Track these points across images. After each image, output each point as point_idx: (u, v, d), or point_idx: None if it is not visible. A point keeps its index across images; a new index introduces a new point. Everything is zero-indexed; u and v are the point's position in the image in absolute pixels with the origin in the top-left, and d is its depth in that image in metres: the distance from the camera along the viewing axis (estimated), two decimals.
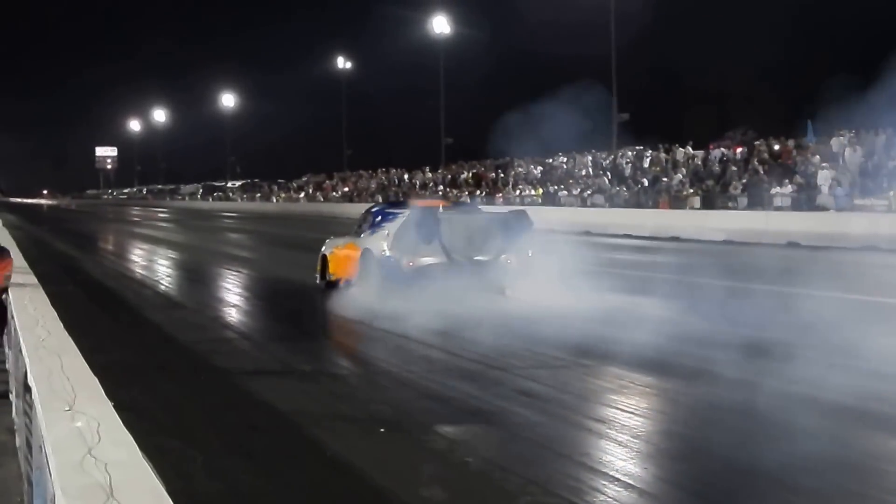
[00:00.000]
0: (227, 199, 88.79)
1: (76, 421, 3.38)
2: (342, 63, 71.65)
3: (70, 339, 5.57)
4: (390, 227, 13.41)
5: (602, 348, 9.73)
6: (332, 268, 14.79)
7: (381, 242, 13.33)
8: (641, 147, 43.10)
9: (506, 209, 16.27)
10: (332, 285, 14.56)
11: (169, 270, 21.47)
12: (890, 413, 7.06)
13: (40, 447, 3.43)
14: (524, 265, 13.23)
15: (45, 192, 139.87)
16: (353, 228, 14.83)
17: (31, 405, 4.20)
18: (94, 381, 4.24)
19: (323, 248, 15.27)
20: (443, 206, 14.16)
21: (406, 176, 61.05)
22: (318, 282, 15.15)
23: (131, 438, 3.25)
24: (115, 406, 3.78)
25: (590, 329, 10.92)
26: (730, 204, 32.63)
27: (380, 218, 14.07)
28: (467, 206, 15.91)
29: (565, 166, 46.27)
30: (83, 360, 4.82)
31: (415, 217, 13.24)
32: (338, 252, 14.72)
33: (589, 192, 40.47)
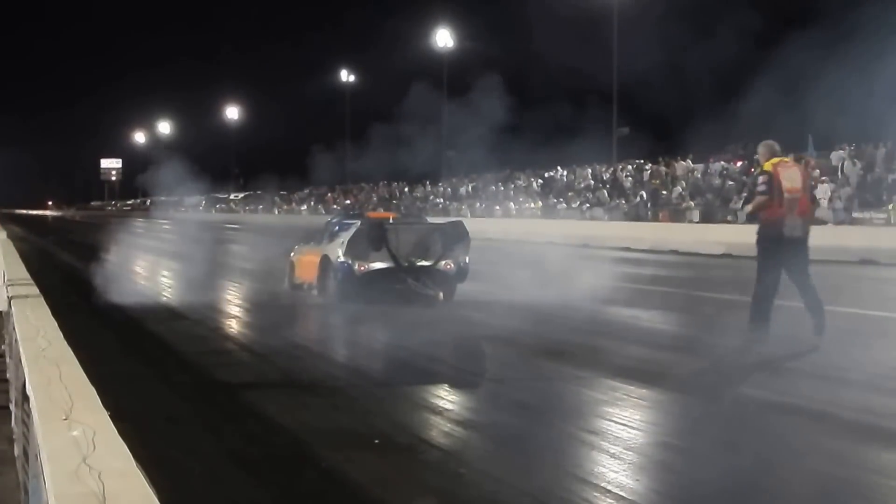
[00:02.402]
0: (230, 210, 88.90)
1: (72, 430, 3.43)
2: (346, 76, 71.91)
3: (70, 349, 5.62)
4: (345, 236, 14.76)
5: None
6: (297, 272, 16.43)
7: (337, 249, 14.67)
8: (641, 160, 43.21)
9: (445, 220, 18.10)
10: (297, 288, 16.27)
11: (171, 281, 21.53)
12: (885, 426, 7.11)
13: (36, 456, 3.50)
14: (460, 270, 14.73)
15: (49, 203, 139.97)
16: (317, 237, 16.21)
17: (28, 414, 4.27)
18: (92, 391, 4.30)
19: (291, 254, 16.92)
20: (392, 218, 15.83)
21: (407, 189, 61.17)
22: (285, 285, 16.69)
23: (126, 448, 3.30)
24: (114, 416, 3.83)
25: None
26: (729, 217, 32.72)
27: (337, 228, 15.56)
28: (413, 217, 17.43)
29: (565, 179, 46.37)
30: (82, 371, 4.88)
31: (366, 227, 14.66)
32: (302, 258, 16.34)
33: (588, 205, 40.56)
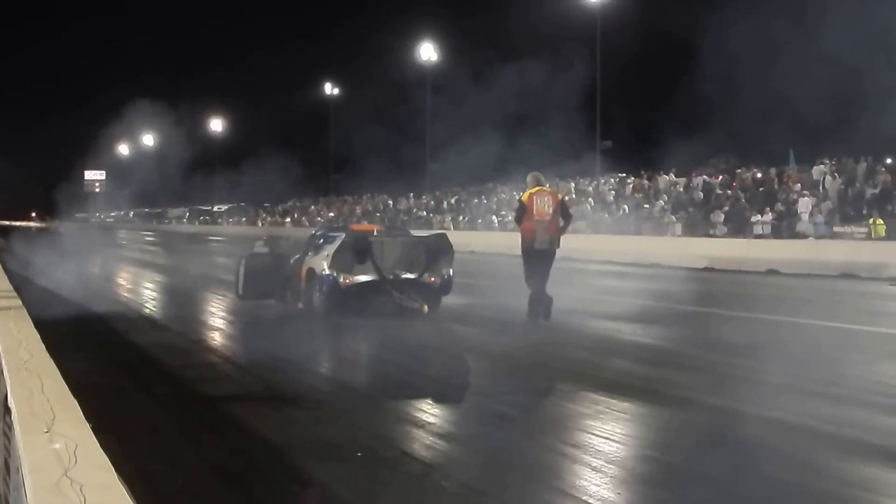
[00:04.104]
0: (214, 222, 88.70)
1: (54, 443, 3.43)
2: (329, 89, 72.02)
3: (52, 361, 5.61)
4: (329, 249, 14.66)
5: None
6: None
7: (322, 262, 14.60)
8: (624, 174, 43.37)
9: (429, 233, 17.92)
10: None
11: (154, 293, 21.49)
12: (865, 440, 7.15)
13: (18, 469, 3.49)
14: (444, 283, 14.73)
15: (33, 214, 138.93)
16: (303, 249, 15.99)
17: (10, 426, 4.26)
18: (74, 404, 4.29)
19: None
20: (376, 230, 15.82)
21: (391, 202, 61.23)
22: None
23: (108, 461, 3.30)
24: (96, 429, 3.82)
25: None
26: (711, 231, 32.83)
27: (322, 240, 15.45)
28: (397, 229, 17.33)
29: None
30: (64, 383, 4.87)
31: (350, 240, 14.60)
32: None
33: None
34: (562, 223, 14.07)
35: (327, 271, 14.38)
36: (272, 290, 15.98)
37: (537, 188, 14.13)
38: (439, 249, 14.82)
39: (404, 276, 14.54)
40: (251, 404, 8.65)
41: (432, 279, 14.64)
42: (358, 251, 14.38)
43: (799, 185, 33.12)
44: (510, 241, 36.62)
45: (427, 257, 14.72)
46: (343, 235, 14.99)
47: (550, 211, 13.89)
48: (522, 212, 13.83)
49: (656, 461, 6.74)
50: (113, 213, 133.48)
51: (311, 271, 14.93)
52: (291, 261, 16.03)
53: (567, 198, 14.60)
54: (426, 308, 14.22)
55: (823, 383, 9.25)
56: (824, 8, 21.99)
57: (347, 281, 14.34)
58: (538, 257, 13.83)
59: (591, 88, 44.76)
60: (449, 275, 14.75)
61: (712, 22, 25.63)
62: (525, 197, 14.03)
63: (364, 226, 18.22)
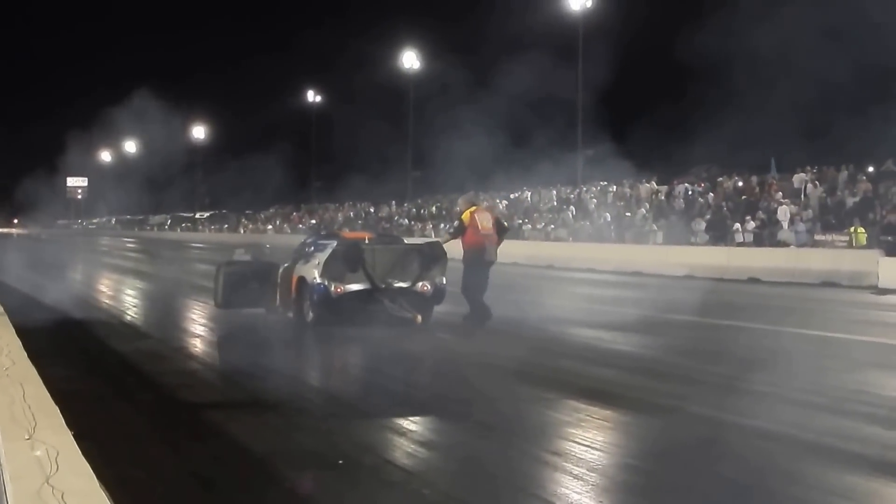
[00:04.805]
0: (196, 229, 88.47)
1: (35, 450, 3.42)
2: (312, 96, 72.03)
3: (34, 368, 5.59)
4: (321, 257, 14.43)
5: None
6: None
7: (313, 270, 14.35)
8: (606, 182, 43.49)
9: (422, 240, 17.92)
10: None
11: (135, 300, 21.40)
12: (846, 448, 7.19)
13: None
14: (437, 292, 14.49)
15: (15, 220, 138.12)
16: (292, 257, 15.67)
17: None
18: (56, 411, 4.29)
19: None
20: (368, 238, 15.50)
21: (372, 209, 61.21)
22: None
23: (89, 468, 3.30)
24: (77, 436, 3.82)
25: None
26: (692, 239, 32.92)
27: (313, 248, 15.19)
28: (390, 237, 17.16)
29: (530, 200, 46.59)
30: (45, 390, 4.86)
31: (342, 248, 14.37)
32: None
33: (553, 226, 40.71)
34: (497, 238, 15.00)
35: (318, 280, 14.08)
36: (253, 298, 15.66)
37: (474, 207, 15.16)
38: (433, 257, 14.51)
39: (397, 284, 14.23)
40: (232, 411, 8.63)
41: (425, 288, 14.30)
42: (349, 259, 14.08)
43: (780, 193, 33.29)
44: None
45: (420, 265, 14.42)
46: (334, 243, 14.71)
47: (491, 225, 14.90)
48: (461, 230, 14.79)
49: (637, 469, 6.76)
50: (95, 220, 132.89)
51: (301, 280, 14.60)
52: (281, 269, 15.71)
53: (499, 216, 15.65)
54: (419, 318, 13.96)
55: (804, 392, 9.29)
56: (806, 16, 22.14)
57: (339, 290, 14.02)
58: (485, 268, 14.72)
59: (573, 96, 44.92)
60: (442, 283, 14.47)
61: (694, 31, 25.77)
62: (466, 217, 14.83)
63: (356, 233, 17.99)
